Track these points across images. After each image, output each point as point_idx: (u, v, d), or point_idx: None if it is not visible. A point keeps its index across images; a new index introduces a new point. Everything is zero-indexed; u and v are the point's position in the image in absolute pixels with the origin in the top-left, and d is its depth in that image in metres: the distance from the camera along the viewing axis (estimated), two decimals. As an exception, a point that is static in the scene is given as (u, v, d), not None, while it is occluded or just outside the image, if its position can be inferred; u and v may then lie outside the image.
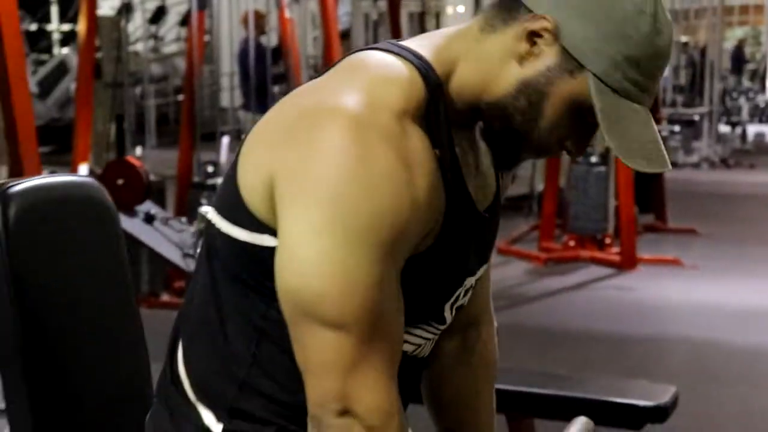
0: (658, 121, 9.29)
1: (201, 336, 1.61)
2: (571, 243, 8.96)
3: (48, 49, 16.32)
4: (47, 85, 15.20)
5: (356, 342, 1.41)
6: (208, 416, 1.58)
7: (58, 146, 12.70)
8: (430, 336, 1.65)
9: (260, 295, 1.52)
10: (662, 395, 3.93)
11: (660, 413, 3.85)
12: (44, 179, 1.89)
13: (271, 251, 1.47)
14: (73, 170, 6.78)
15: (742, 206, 12.37)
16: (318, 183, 1.39)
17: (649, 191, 9.98)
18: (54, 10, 16.80)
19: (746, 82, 20.95)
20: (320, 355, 1.43)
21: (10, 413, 1.78)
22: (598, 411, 3.96)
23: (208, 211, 1.60)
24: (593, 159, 8.85)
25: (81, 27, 7.44)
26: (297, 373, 1.48)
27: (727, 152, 16.53)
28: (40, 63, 15.63)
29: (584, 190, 8.72)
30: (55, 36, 17.09)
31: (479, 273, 1.68)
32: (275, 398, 1.56)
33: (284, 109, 1.52)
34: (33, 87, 14.20)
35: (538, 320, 7.12)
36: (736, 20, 22.03)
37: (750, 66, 22.93)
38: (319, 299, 1.40)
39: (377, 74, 1.49)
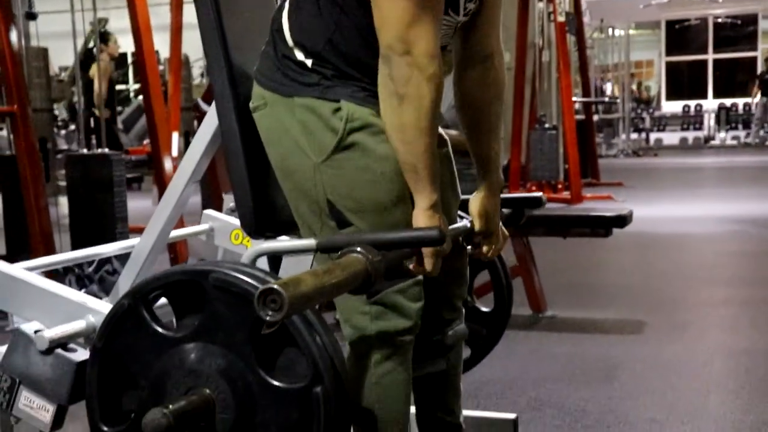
0: (590, 122, 9.47)
1: (302, 7, 1.77)
2: (533, 188, 9.14)
3: (127, 99, 16.57)
4: (129, 123, 15.32)
5: (414, 6, 1.61)
6: (300, 55, 1.76)
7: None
8: (451, 23, 1.80)
9: None
10: (622, 211, 4.16)
11: (621, 220, 4.07)
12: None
13: None
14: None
15: (651, 174, 12.66)
16: None
17: (585, 160, 10.17)
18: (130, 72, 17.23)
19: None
20: (390, 13, 1.62)
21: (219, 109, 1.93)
22: (581, 222, 4.17)
23: None
24: (546, 125, 9.07)
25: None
26: (366, 46, 1.69)
27: (637, 147, 16.82)
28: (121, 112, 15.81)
29: (540, 149, 8.92)
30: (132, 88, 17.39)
31: None
32: (350, 56, 1.73)
33: None
34: (119, 124, 14.35)
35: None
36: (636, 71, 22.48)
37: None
38: None
39: None
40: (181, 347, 1.56)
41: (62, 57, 12.21)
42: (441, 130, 1.93)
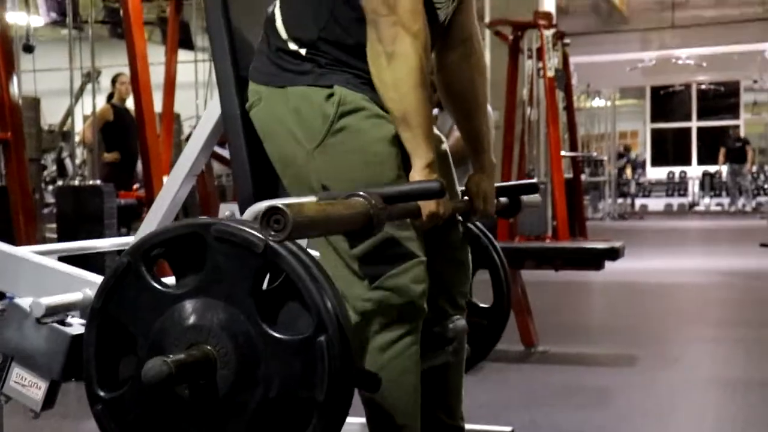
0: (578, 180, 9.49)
1: (295, 3, 1.81)
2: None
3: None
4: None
5: None
6: (294, 45, 1.78)
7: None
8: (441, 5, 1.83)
9: None
10: (615, 244, 4.14)
11: (613, 253, 4.05)
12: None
13: None
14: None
15: (638, 234, 12.66)
16: None
17: (573, 218, 10.17)
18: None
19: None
20: None
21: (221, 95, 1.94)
22: (574, 255, 4.15)
23: None
24: (535, 180, 9.12)
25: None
26: (359, 33, 1.71)
27: (623, 211, 16.91)
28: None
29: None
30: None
31: None
32: (344, 44, 1.75)
33: None
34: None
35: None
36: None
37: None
38: None
39: None
40: (182, 303, 1.53)
41: (51, 114, 12.17)
42: (436, 131, 1.94)
